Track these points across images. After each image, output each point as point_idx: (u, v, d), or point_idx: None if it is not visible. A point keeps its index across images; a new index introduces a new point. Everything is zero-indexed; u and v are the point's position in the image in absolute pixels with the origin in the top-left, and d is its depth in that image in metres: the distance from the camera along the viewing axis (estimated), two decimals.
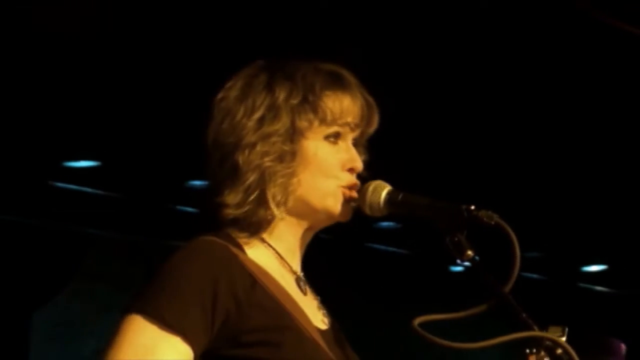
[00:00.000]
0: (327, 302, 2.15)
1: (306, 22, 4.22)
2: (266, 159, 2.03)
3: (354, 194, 2.09)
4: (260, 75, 2.10)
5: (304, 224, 2.09)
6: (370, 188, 2.10)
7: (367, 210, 2.10)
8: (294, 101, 2.06)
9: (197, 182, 5.45)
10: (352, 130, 2.12)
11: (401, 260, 7.40)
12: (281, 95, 2.06)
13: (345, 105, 2.09)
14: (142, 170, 5.70)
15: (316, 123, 2.07)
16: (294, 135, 2.05)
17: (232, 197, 2.02)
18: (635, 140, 5.53)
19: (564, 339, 1.86)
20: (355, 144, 2.13)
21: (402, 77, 4.75)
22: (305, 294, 2.10)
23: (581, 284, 8.30)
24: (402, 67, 4.70)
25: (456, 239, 1.98)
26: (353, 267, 7.06)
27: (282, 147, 2.04)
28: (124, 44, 4.40)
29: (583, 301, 8.16)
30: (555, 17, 4.33)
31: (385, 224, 6.62)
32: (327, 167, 2.07)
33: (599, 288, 8.39)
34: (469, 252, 1.97)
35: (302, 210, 2.07)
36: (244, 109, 2.06)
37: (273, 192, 2.02)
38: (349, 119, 2.10)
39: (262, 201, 2.03)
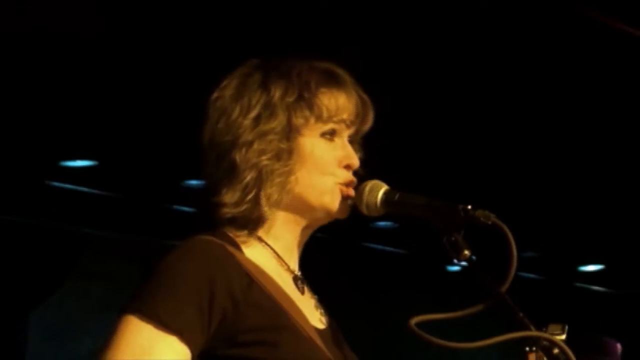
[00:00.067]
0: (324, 301, 2.14)
1: (304, 20, 4.22)
2: (263, 157, 2.02)
3: (351, 191, 2.09)
4: (255, 74, 2.10)
5: (302, 222, 2.09)
6: (367, 187, 2.09)
7: (364, 210, 2.10)
8: (290, 99, 2.06)
9: (194, 182, 5.45)
10: (348, 127, 2.12)
11: (398, 260, 7.40)
12: (277, 93, 2.06)
13: (340, 102, 2.10)
14: (139, 170, 5.70)
15: (312, 120, 2.07)
16: (290, 132, 2.05)
17: (229, 196, 2.02)
18: (632, 141, 5.53)
19: (563, 336, 1.86)
20: (351, 141, 2.13)
21: (400, 75, 4.75)
22: (302, 293, 2.09)
23: (578, 284, 8.31)
24: (400, 65, 4.70)
25: (453, 238, 1.98)
26: (350, 266, 7.06)
27: (279, 145, 2.04)
28: (121, 44, 4.40)
29: (580, 301, 8.17)
30: (554, 17, 4.32)
31: (382, 223, 6.62)
32: (324, 164, 2.07)
33: (595, 288, 8.40)
34: (466, 252, 1.97)
35: (299, 208, 2.07)
36: (240, 107, 2.06)
37: (269, 192, 2.02)
38: (345, 116, 2.10)
39: (259, 200, 2.02)
